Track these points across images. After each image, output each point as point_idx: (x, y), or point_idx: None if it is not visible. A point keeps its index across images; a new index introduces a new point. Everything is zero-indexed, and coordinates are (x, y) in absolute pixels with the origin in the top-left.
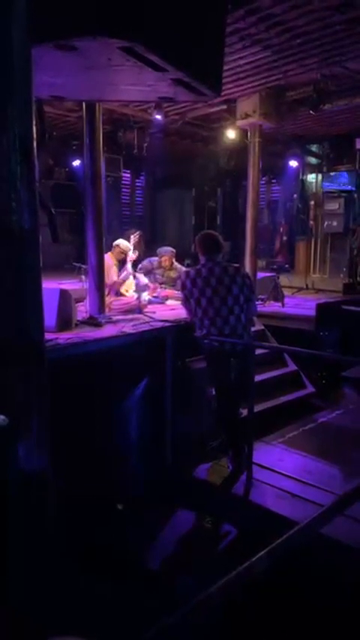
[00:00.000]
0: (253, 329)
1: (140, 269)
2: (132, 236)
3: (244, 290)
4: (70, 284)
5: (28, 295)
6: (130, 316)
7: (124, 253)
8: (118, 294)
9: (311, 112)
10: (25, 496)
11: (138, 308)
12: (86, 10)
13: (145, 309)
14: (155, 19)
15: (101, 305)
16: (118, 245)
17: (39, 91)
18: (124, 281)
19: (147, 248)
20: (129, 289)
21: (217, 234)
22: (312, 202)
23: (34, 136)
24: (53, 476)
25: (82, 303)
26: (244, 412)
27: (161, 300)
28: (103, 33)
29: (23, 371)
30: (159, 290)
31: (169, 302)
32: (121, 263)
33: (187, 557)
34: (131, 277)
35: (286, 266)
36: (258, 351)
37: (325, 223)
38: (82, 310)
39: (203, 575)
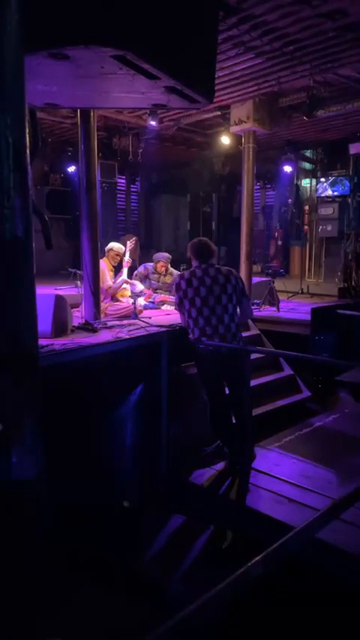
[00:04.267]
0: (248, 333)
1: (136, 275)
2: (128, 242)
3: (237, 290)
4: (65, 290)
5: (21, 303)
6: (125, 322)
7: (119, 256)
8: (114, 299)
9: (305, 117)
10: (18, 504)
11: (134, 313)
12: (78, 19)
13: (141, 315)
14: (146, 27)
15: (97, 310)
16: (111, 248)
17: (33, 99)
18: (119, 287)
19: (142, 254)
20: (124, 295)
21: (209, 240)
22: (306, 207)
23: (28, 143)
24: (47, 483)
25: (77, 309)
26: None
27: (157, 306)
28: (94, 41)
29: (16, 378)
30: (154, 295)
31: (165, 307)
32: (117, 269)
33: (183, 563)
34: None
35: (281, 271)
36: (253, 356)
37: (320, 228)
38: (77, 316)
39: (198, 581)
